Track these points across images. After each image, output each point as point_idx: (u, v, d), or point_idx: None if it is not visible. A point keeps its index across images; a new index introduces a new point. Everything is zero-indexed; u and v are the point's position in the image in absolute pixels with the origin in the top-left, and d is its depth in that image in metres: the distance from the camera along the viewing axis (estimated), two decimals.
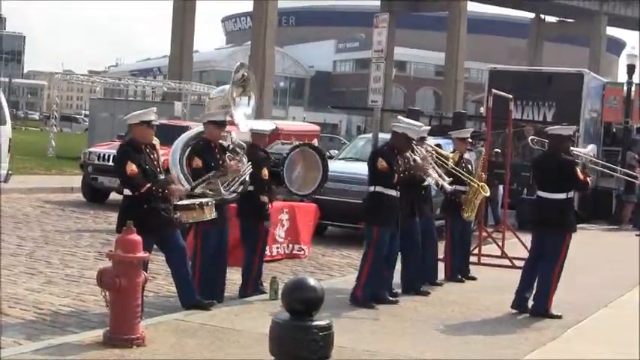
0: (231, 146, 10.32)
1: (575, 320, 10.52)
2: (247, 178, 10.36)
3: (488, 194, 13.50)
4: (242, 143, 10.44)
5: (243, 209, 10.90)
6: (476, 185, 12.83)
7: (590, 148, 12.91)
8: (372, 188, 10.49)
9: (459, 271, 13.09)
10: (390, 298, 10.77)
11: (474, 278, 13.18)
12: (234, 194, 10.24)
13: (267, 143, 11.81)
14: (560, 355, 8.86)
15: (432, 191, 12.44)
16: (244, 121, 10.95)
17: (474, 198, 12.95)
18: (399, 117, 11.57)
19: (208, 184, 9.91)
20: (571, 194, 10.76)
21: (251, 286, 10.92)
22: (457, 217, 12.97)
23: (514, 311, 10.79)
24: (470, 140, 13.86)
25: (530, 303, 10.78)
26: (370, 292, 10.47)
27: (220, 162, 10.07)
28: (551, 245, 10.74)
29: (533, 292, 10.80)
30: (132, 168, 8.84)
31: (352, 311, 10.03)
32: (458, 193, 12.81)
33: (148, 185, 8.84)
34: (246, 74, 11.09)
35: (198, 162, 9.96)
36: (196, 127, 11.09)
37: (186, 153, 10.22)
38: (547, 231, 10.75)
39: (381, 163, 10.30)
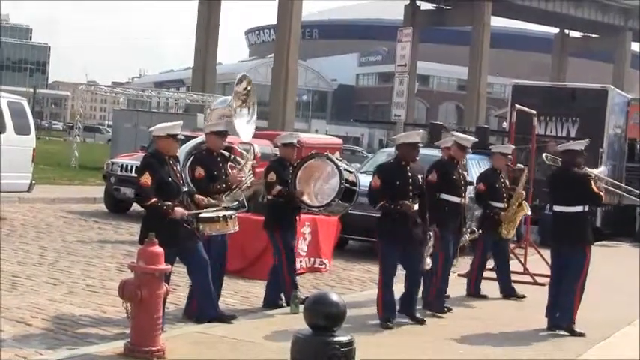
0: (232, 156, 10.38)
1: (599, 338, 10.44)
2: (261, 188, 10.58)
3: (529, 213, 13.50)
4: (252, 155, 10.53)
5: (270, 221, 11.02)
6: (516, 204, 12.92)
7: (601, 170, 12.99)
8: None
9: (506, 290, 13.03)
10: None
11: (523, 296, 13.00)
12: (236, 203, 10.28)
13: (297, 156, 11.81)
14: None
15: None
16: (245, 131, 10.98)
17: (514, 215, 12.94)
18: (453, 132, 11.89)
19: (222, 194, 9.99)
20: (586, 208, 10.81)
21: (286, 297, 10.95)
22: (492, 234, 12.90)
23: (536, 328, 10.75)
24: (510, 156, 13.74)
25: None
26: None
27: (223, 171, 10.12)
28: (571, 259, 10.73)
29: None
30: (146, 179, 8.84)
31: (374, 326, 9.99)
32: (495, 209, 12.76)
33: (153, 200, 8.83)
34: (249, 87, 11.12)
35: (200, 172, 9.98)
36: (198, 137, 11.11)
37: (189, 162, 10.22)
38: (565, 245, 10.77)
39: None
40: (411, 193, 10.09)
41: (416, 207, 10.15)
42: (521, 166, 13.99)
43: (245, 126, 10.90)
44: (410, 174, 10.13)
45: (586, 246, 10.74)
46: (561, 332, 10.51)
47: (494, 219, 12.84)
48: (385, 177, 10.14)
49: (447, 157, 11.84)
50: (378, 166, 10.75)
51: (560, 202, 10.85)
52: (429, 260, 10.43)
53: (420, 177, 10.31)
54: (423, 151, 11.03)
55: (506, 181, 13.20)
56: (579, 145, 11.14)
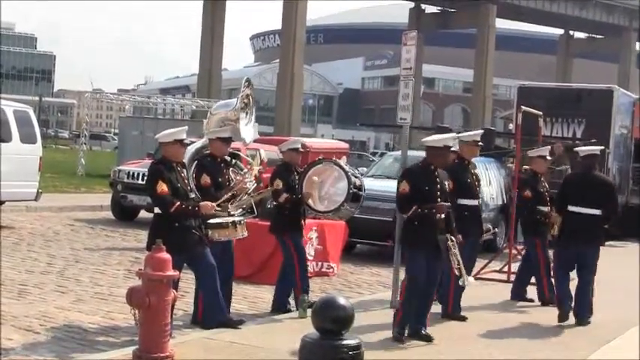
0: (234, 161, 10.38)
1: (607, 339, 10.43)
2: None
3: None
4: (258, 160, 10.54)
5: (279, 226, 11.05)
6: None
7: None
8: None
9: (519, 295, 12.96)
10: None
11: (531, 300, 12.89)
12: (240, 209, 10.28)
13: (304, 161, 11.81)
14: None
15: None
16: (249, 134, 10.97)
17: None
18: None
19: (233, 200, 9.98)
20: (603, 211, 11.23)
21: (296, 301, 10.94)
22: (545, 236, 12.83)
23: (544, 328, 10.83)
24: (549, 159, 13.61)
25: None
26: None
27: (226, 177, 10.12)
28: (590, 258, 11.28)
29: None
30: (162, 188, 8.84)
31: (382, 330, 9.97)
32: (544, 213, 12.70)
33: (178, 204, 8.84)
34: (250, 92, 11.11)
35: (207, 179, 9.94)
36: (200, 141, 11.07)
37: (193, 168, 10.20)
38: (583, 244, 11.24)
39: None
40: (439, 199, 9.55)
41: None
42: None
43: (245, 128, 10.88)
44: (438, 179, 9.64)
45: (602, 245, 11.51)
46: (567, 329, 10.52)
47: (545, 223, 12.73)
48: (414, 182, 9.52)
49: (457, 160, 11.32)
50: (406, 170, 10.04)
51: (583, 203, 11.22)
52: (471, 279, 10.14)
53: (446, 183, 9.89)
54: (419, 153, 11.00)
55: (547, 185, 13.11)
56: (598, 149, 11.79)
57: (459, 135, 11.63)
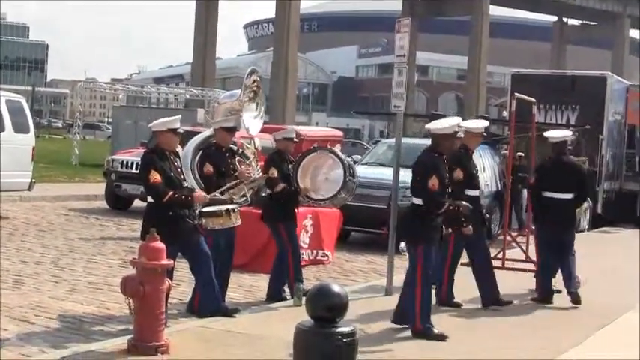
0: (240, 150, 10.38)
1: (600, 324, 10.46)
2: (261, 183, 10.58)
3: (591, 205, 13.48)
4: (253, 149, 10.53)
5: (271, 215, 11.02)
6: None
7: None
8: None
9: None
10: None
11: (558, 291, 12.57)
12: (244, 198, 10.29)
13: (297, 150, 11.81)
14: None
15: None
16: (254, 125, 10.96)
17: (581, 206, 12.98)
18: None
19: (229, 190, 9.97)
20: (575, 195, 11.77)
21: (290, 289, 10.97)
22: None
23: (537, 314, 10.92)
24: (570, 147, 13.45)
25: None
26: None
27: (231, 167, 10.12)
28: (567, 240, 11.76)
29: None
30: (155, 177, 8.83)
31: (376, 317, 9.98)
32: None
33: (171, 194, 8.84)
34: (257, 79, 11.07)
35: (209, 168, 9.98)
36: (206, 131, 11.09)
37: (197, 157, 10.21)
38: (558, 228, 11.69)
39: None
40: (448, 190, 9.33)
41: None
42: (522, 154, 13.92)
43: (252, 121, 10.88)
44: (446, 169, 9.32)
45: (573, 226, 12.13)
46: (562, 315, 10.54)
47: None
48: (442, 175, 9.14)
49: (462, 149, 10.92)
50: (432, 162, 9.23)
51: (553, 189, 11.61)
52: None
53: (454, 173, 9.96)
54: (413, 141, 10.94)
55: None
56: (568, 136, 12.25)
57: (465, 123, 11.28)
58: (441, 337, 9.05)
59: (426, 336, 9.03)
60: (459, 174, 10.46)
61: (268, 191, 11.18)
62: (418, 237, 9.24)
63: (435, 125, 9.43)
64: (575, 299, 11.48)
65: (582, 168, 12.17)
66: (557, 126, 21.99)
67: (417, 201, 9.25)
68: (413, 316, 9.16)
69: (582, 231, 13.17)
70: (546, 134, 12.42)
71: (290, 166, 11.09)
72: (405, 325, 9.37)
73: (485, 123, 12.22)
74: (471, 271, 11.32)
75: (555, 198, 11.67)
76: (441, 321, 9.73)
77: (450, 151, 9.62)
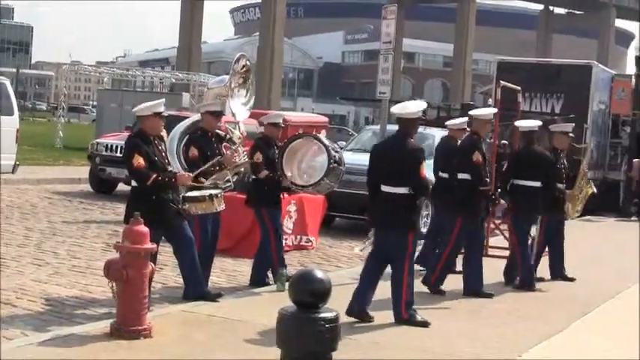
0: (227, 136, 10.36)
1: (582, 312, 10.51)
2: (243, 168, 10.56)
3: (595, 191, 13.53)
4: (239, 134, 10.51)
5: (255, 199, 11.03)
6: (583, 182, 13.09)
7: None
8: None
9: (557, 272, 12.87)
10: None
11: (572, 279, 12.80)
12: (229, 184, 10.30)
13: (284, 136, 11.81)
14: (565, 348, 8.84)
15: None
16: (241, 111, 10.93)
17: (580, 194, 12.95)
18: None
19: (212, 174, 9.95)
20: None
21: (274, 274, 10.97)
22: (557, 215, 12.76)
23: (523, 301, 10.97)
24: (571, 135, 13.49)
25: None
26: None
27: (217, 151, 10.10)
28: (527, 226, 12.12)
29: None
30: (139, 161, 8.83)
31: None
32: (559, 189, 12.57)
33: (154, 176, 8.84)
34: (247, 64, 11.05)
35: (194, 152, 9.96)
36: (194, 116, 11.08)
37: (184, 142, 10.20)
38: (527, 214, 12.07)
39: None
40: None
41: None
42: (506, 142, 13.97)
43: (240, 107, 10.87)
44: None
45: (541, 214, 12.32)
46: (545, 303, 10.59)
47: (558, 199, 12.68)
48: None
49: (474, 136, 11.26)
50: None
51: (522, 177, 11.90)
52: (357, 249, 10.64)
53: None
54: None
55: (565, 162, 13.01)
56: (536, 125, 12.46)
57: (474, 111, 11.80)
58: (425, 324, 9.07)
59: (409, 322, 9.06)
60: (477, 157, 10.91)
61: (253, 176, 11.18)
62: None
63: (403, 110, 9.39)
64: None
65: (549, 157, 12.19)
66: (541, 114, 22.06)
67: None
68: (399, 304, 9.16)
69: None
70: (516, 123, 12.51)
71: (276, 152, 11.08)
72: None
73: (494, 110, 12.31)
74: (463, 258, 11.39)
75: (524, 185, 11.91)
76: (423, 307, 9.75)
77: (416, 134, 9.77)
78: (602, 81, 25.71)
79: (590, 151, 13.78)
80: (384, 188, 9.15)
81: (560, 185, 12.60)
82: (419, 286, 10.52)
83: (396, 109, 9.41)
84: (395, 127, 9.64)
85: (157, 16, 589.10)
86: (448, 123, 13.66)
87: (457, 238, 11.02)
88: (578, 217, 14.80)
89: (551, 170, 12.12)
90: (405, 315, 9.10)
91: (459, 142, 12.05)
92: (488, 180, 11.06)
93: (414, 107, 9.40)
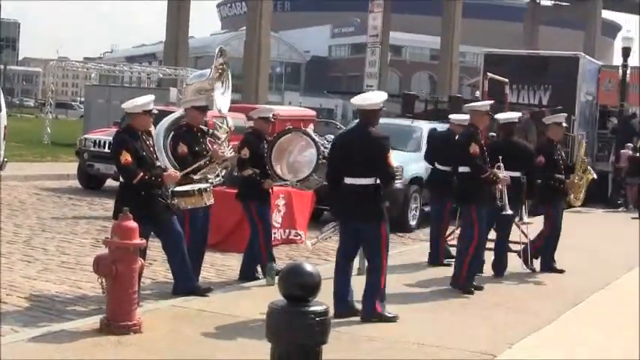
0: (211, 131, 10.35)
1: (572, 303, 10.54)
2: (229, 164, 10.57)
3: (595, 177, 13.59)
4: (227, 128, 10.51)
5: (244, 194, 11.01)
6: (581, 170, 13.11)
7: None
8: None
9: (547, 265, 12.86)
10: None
11: (561, 271, 12.76)
12: (218, 178, 10.31)
13: (273, 130, 11.80)
14: (556, 339, 8.86)
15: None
16: (225, 104, 10.91)
17: (580, 182, 12.97)
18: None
19: (200, 170, 9.94)
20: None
21: (262, 269, 10.95)
22: (560, 205, 12.93)
23: (512, 293, 11.02)
24: (566, 125, 13.60)
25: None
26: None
27: (203, 146, 10.09)
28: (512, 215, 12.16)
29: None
30: (126, 158, 8.82)
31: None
32: (559, 179, 12.66)
33: (141, 175, 8.83)
34: (226, 60, 11.02)
35: (183, 148, 9.92)
36: (177, 111, 11.03)
37: (169, 138, 10.16)
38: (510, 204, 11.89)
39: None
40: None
41: None
42: (494, 134, 13.96)
43: (221, 98, 10.84)
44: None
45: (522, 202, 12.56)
46: (534, 294, 10.63)
47: (560, 189, 12.75)
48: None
49: (472, 128, 11.25)
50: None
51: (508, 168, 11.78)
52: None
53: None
54: (394, 121, 10.98)
55: (562, 152, 13.03)
56: (516, 117, 12.74)
57: (471, 105, 12.11)
58: (394, 319, 8.95)
59: (382, 317, 8.92)
60: (475, 149, 10.94)
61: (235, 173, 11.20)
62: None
63: (365, 101, 9.17)
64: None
65: (529, 148, 12.49)
66: (529, 106, 22.12)
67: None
68: (372, 299, 8.97)
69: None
70: (496, 116, 12.52)
71: (265, 147, 11.07)
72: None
73: (489, 102, 12.32)
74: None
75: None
76: (415, 300, 9.78)
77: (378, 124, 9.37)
78: (590, 72, 25.77)
79: (582, 142, 13.85)
80: (348, 180, 8.93)
81: (558, 176, 12.65)
82: (418, 277, 10.55)
83: (358, 100, 9.13)
84: (385, 120, 9.61)
85: (144, 12, 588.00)
86: (452, 117, 13.77)
87: (479, 233, 10.98)
88: (580, 205, 14.86)
89: (531, 161, 12.27)
90: (378, 308, 8.96)
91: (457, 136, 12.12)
92: (488, 166, 11.08)
93: (376, 98, 9.19)
